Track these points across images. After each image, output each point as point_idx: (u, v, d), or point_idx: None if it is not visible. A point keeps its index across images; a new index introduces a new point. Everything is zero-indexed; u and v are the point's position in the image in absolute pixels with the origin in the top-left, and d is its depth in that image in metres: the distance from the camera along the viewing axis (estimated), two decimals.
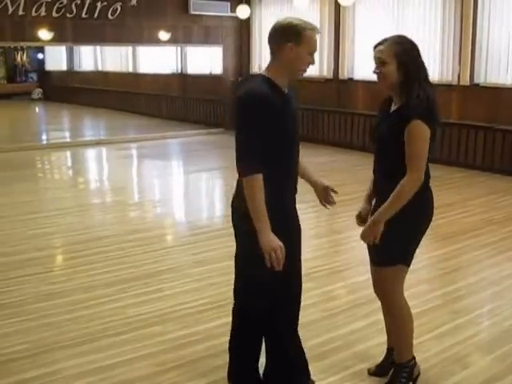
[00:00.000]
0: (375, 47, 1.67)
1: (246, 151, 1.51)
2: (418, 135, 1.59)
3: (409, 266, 1.74)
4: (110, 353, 2.07)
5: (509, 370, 1.96)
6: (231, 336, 1.74)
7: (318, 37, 1.58)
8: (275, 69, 1.58)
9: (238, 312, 1.72)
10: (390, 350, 1.89)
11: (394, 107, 1.70)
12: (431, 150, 1.65)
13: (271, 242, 1.49)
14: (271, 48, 1.59)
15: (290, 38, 1.54)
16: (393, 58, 1.62)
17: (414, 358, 1.81)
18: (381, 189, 1.72)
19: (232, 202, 1.66)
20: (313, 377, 1.82)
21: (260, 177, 1.49)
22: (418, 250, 3.42)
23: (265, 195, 1.51)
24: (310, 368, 1.80)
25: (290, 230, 1.63)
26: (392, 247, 1.68)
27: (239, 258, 1.67)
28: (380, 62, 1.64)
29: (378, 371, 1.88)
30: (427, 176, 1.70)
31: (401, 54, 1.62)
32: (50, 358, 2.04)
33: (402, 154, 1.61)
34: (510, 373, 1.94)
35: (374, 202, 1.78)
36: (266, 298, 1.63)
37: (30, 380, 1.91)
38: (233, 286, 1.74)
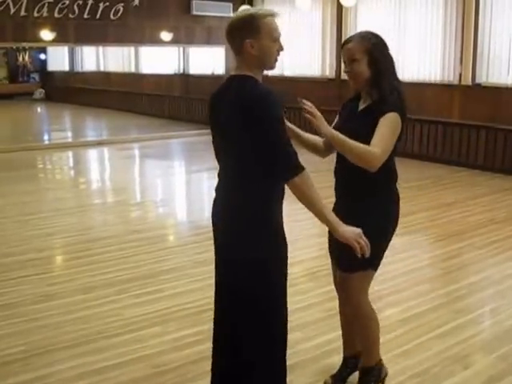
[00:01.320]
0: (343, 45, 1.63)
1: (288, 148, 1.37)
2: (392, 123, 1.54)
3: (376, 270, 1.69)
4: (108, 354, 2.06)
5: (510, 369, 1.96)
6: None
7: (276, 20, 1.44)
8: (247, 67, 1.45)
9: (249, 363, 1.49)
10: (347, 359, 1.84)
11: (362, 105, 1.65)
12: (397, 148, 1.61)
13: (352, 231, 1.40)
14: (232, 47, 1.47)
15: (246, 33, 1.41)
16: (363, 55, 1.58)
17: (380, 359, 1.78)
18: (346, 188, 1.67)
19: (225, 231, 1.48)
20: (316, 376, 1.80)
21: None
22: (420, 250, 3.46)
23: (267, 209, 1.42)
24: (315, 367, 1.79)
25: (285, 245, 1.51)
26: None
27: (242, 299, 1.46)
28: (351, 60, 1.60)
29: (335, 382, 1.82)
30: (394, 175, 1.65)
31: (371, 49, 1.59)
32: (48, 359, 2.03)
33: None
34: None
35: (335, 205, 1.71)
36: (285, 323, 1.51)
37: (27, 382, 1.89)
38: None
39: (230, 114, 1.43)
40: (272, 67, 1.48)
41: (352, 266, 1.63)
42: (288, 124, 1.60)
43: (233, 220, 1.47)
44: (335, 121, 1.75)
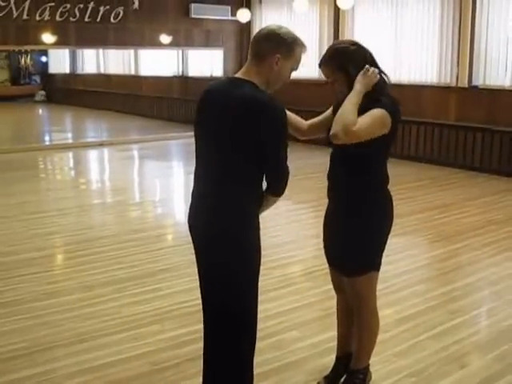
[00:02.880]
0: (319, 66, 1.62)
1: (286, 165, 1.44)
2: (379, 114, 1.52)
3: (379, 270, 1.70)
4: (106, 351, 2.08)
5: (506, 369, 1.96)
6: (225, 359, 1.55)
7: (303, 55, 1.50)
8: (256, 75, 1.45)
9: (232, 324, 1.53)
10: (339, 359, 1.84)
11: None
12: (389, 150, 1.63)
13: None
14: (256, 52, 1.47)
15: (280, 48, 1.44)
16: (338, 73, 1.57)
17: (369, 364, 1.79)
18: (339, 191, 1.67)
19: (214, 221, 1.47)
20: (313, 375, 1.81)
21: None
22: (416, 250, 3.49)
23: (253, 214, 1.46)
24: (311, 366, 1.80)
25: (259, 256, 1.53)
26: (361, 256, 1.65)
27: (226, 273, 1.48)
28: (331, 82, 1.60)
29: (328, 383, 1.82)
30: (386, 179, 1.66)
31: (343, 64, 1.55)
32: (47, 356, 2.05)
33: (365, 155, 1.57)
34: (508, 373, 1.94)
35: (328, 209, 1.72)
36: (256, 305, 1.55)
37: (27, 378, 1.92)
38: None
39: (237, 116, 1.41)
40: (273, 89, 1.50)
41: (356, 270, 1.65)
42: None
43: (213, 223, 1.47)
44: (326, 112, 1.75)
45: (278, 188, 1.50)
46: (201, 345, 2.01)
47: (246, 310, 1.53)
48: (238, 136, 1.42)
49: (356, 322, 1.75)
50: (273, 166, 1.46)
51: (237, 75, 1.50)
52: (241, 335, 1.54)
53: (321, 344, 2.12)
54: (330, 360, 1.91)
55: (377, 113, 1.54)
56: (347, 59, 1.56)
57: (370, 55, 1.62)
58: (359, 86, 1.54)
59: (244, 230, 1.48)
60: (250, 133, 1.40)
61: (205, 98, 1.52)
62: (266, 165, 1.45)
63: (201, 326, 2.20)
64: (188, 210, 1.57)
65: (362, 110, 1.55)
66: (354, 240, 1.65)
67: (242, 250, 1.48)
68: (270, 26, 1.52)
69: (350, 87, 1.56)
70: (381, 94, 1.58)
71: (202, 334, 1.63)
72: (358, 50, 1.59)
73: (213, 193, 1.49)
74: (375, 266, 1.68)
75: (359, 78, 1.55)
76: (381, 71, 1.61)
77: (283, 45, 1.45)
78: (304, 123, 1.78)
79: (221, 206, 1.47)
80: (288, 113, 1.72)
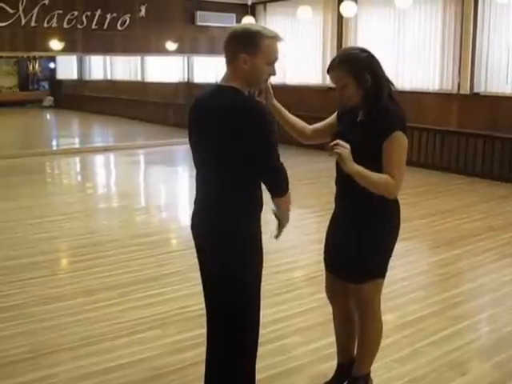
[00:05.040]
0: (328, 71, 1.60)
1: (279, 164, 1.42)
2: (399, 146, 1.55)
3: (385, 277, 1.70)
4: (109, 356, 2.08)
5: (507, 376, 1.96)
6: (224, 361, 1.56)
7: (279, 44, 1.41)
8: (233, 79, 1.43)
9: (235, 327, 1.54)
10: (341, 366, 1.83)
11: (361, 116, 1.63)
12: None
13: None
14: (226, 56, 1.44)
15: (244, 47, 1.38)
16: (349, 78, 1.55)
17: (370, 371, 1.78)
18: (347, 198, 1.66)
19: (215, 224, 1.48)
20: (315, 381, 1.82)
21: None
22: (417, 256, 3.49)
23: (252, 217, 1.46)
24: (314, 371, 1.80)
25: (261, 258, 1.55)
26: (369, 262, 1.65)
27: (226, 276, 1.50)
28: (339, 86, 1.57)
29: None
30: None
31: (355, 69, 1.54)
32: (52, 360, 2.06)
33: (372, 166, 1.55)
34: (508, 380, 1.95)
35: (335, 215, 1.72)
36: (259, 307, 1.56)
37: (30, 382, 1.92)
38: None
39: (221, 124, 1.41)
40: (257, 87, 1.48)
41: (364, 277, 1.65)
42: (275, 103, 1.62)
43: (213, 228, 1.48)
44: (330, 118, 1.75)
45: (277, 188, 1.47)
46: (204, 350, 2.00)
47: (248, 312, 1.54)
48: (227, 143, 1.42)
49: (359, 329, 1.74)
50: (264, 167, 1.44)
51: (220, 82, 1.49)
52: (243, 337, 1.55)
53: (323, 349, 2.11)
54: (332, 365, 1.91)
55: (398, 146, 1.54)
56: (359, 64, 1.55)
57: (378, 63, 1.60)
58: (351, 166, 1.50)
59: (243, 234, 1.48)
60: (236, 139, 1.39)
61: (192, 113, 1.53)
62: (257, 168, 1.43)
63: (203, 330, 2.16)
64: (191, 216, 1.61)
65: (370, 125, 1.55)
66: (364, 249, 1.64)
67: (242, 253, 1.49)
68: (232, 28, 1.48)
69: (359, 94, 1.56)
70: (387, 104, 1.57)
71: (205, 337, 1.65)
72: (369, 57, 1.59)
73: (212, 198, 1.50)
74: (382, 273, 1.68)
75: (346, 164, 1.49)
76: (387, 80, 1.61)
77: (246, 43, 1.39)
78: (308, 128, 1.79)
79: (220, 210, 1.48)
80: (291, 116, 1.74)
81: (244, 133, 1.40)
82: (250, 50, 1.39)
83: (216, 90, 1.50)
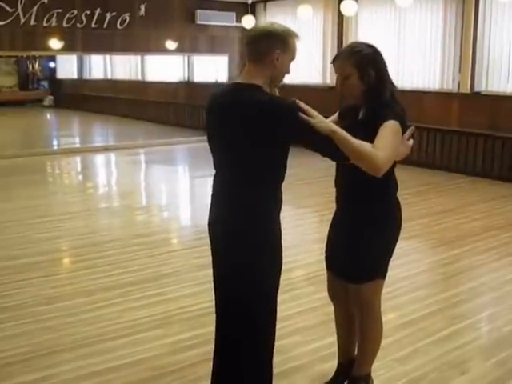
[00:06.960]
0: (333, 61, 1.61)
1: (324, 137, 1.40)
2: (393, 130, 1.50)
3: (385, 278, 1.70)
4: (108, 356, 2.08)
5: (508, 375, 1.97)
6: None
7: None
8: (258, 76, 1.44)
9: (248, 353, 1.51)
10: (341, 365, 1.83)
11: (362, 114, 1.62)
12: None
13: None
14: (256, 52, 1.45)
15: (278, 43, 1.45)
16: (354, 70, 1.56)
17: (370, 371, 1.78)
18: (348, 198, 1.66)
19: (230, 224, 1.48)
20: (315, 381, 1.81)
21: None
22: (418, 255, 3.49)
23: (270, 215, 1.45)
24: (314, 371, 1.79)
25: (281, 256, 1.54)
26: (369, 262, 1.65)
27: (240, 299, 1.49)
28: (343, 77, 1.58)
29: None
30: (395, 185, 1.66)
31: (361, 63, 1.55)
32: (50, 361, 2.05)
33: None
34: (509, 378, 1.95)
35: (336, 214, 1.72)
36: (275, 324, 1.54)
37: (29, 383, 1.92)
38: None
39: (247, 123, 1.41)
40: (278, 85, 1.50)
41: (363, 277, 1.65)
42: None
43: (229, 225, 1.48)
44: (331, 118, 1.74)
45: (336, 157, 1.47)
46: (203, 350, 2.03)
47: (264, 312, 1.52)
48: (252, 142, 1.42)
49: (359, 329, 1.74)
50: (317, 144, 1.43)
51: (239, 80, 1.49)
52: (257, 337, 1.53)
53: (324, 349, 2.11)
54: (332, 365, 1.91)
55: (392, 129, 1.50)
56: (365, 59, 1.56)
57: (384, 61, 1.61)
58: (326, 125, 1.45)
59: (259, 232, 1.48)
60: (265, 136, 1.40)
61: (211, 109, 1.52)
62: (313, 149, 1.45)
63: (203, 330, 2.20)
64: (208, 213, 1.58)
65: (371, 121, 1.54)
66: (365, 249, 1.64)
67: (258, 252, 1.48)
68: (261, 25, 1.54)
69: (361, 88, 1.56)
70: (388, 99, 1.57)
71: (214, 336, 1.62)
72: (376, 54, 1.60)
73: (228, 196, 1.51)
74: (382, 273, 1.68)
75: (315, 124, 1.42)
76: (391, 82, 1.60)
77: (279, 39, 1.46)
78: None
79: (236, 208, 1.48)
80: None
81: (278, 129, 1.40)
82: (282, 46, 1.46)
83: (238, 87, 1.48)
